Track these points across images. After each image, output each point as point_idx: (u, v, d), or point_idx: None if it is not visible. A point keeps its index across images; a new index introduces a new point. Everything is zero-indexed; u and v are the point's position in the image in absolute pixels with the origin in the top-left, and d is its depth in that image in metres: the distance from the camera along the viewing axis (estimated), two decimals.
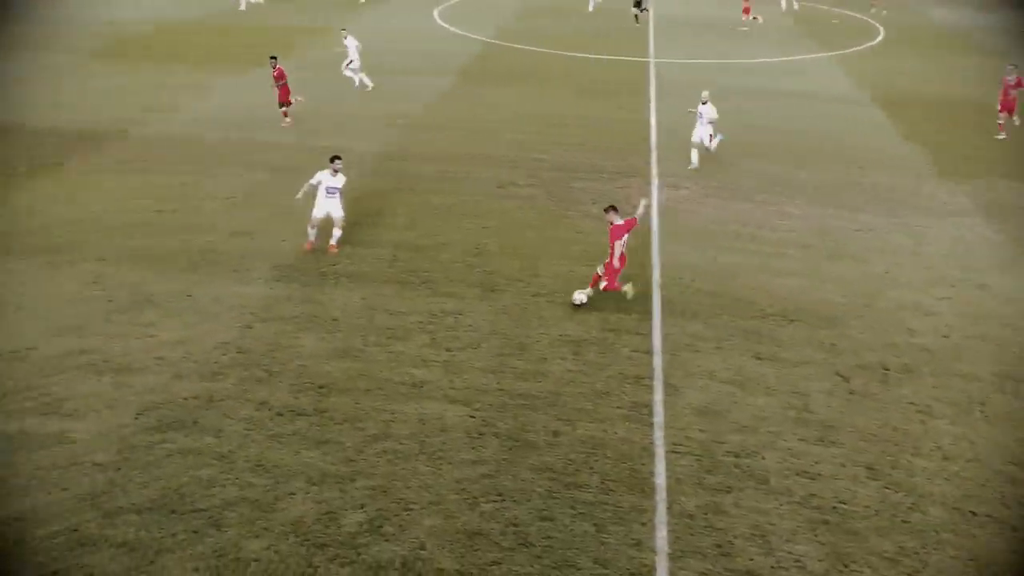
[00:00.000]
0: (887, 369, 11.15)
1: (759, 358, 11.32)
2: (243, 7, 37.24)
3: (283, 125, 20.56)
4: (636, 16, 35.39)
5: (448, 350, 11.27)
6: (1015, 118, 20.87)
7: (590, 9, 37.88)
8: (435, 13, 37.05)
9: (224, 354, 10.97)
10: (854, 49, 32.21)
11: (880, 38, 34.78)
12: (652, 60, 29.20)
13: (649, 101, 23.88)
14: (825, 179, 18.16)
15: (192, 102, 22.20)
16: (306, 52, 28.63)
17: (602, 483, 8.87)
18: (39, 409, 9.71)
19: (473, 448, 9.38)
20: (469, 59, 28.46)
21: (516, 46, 30.68)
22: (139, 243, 13.91)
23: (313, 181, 13.76)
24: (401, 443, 9.40)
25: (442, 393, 10.34)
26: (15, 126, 19.62)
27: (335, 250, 13.90)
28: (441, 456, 9.22)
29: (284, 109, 20.68)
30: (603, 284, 12.43)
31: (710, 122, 18.18)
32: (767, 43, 32.82)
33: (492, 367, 10.91)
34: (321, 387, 10.36)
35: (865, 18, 39.05)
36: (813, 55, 31.05)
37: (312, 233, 13.96)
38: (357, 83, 23.75)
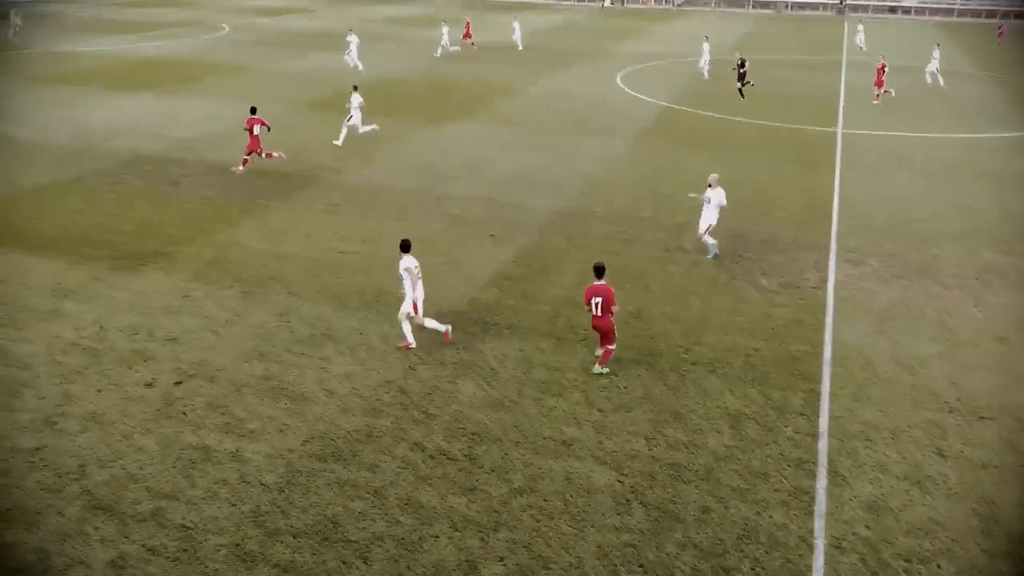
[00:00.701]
0: None
1: (942, 455, 10.34)
2: (438, 53, 40.94)
3: (234, 169, 21.11)
4: (741, 90, 32.81)
5: (600, 411, 11.17)
6: None
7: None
8: (618, 77, 37.71)
9: (387, 392, 11.48)
10: None
11: None
12: (840, 130, 28.05)
13: (834, 172, 22.89)
14: None
15: (386, 152, 23.77)
16: (501, 109, 29.99)
17: (752, 570, 8.38)
18: (221, 427, 10.58)
19: (618, 514, 9.18)
20: (648, 122, 28.64)
21: (697, 111, 30.53)
22: (324, 280, 14.95)
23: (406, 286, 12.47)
24: (546, 500, 9.37)
25: (591, 454, 10.24)
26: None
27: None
28: (585, 518, 9.09)
29: (246, 157, 20.95)
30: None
31: (718, 207, 16.25)
32: (954, 115, 30.64)
33: (644, 432, 10.69)
34: (473, 434, 10.57)
35: None
36: (1012, 134, 28.60)
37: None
38: (341, 139, 24.21)
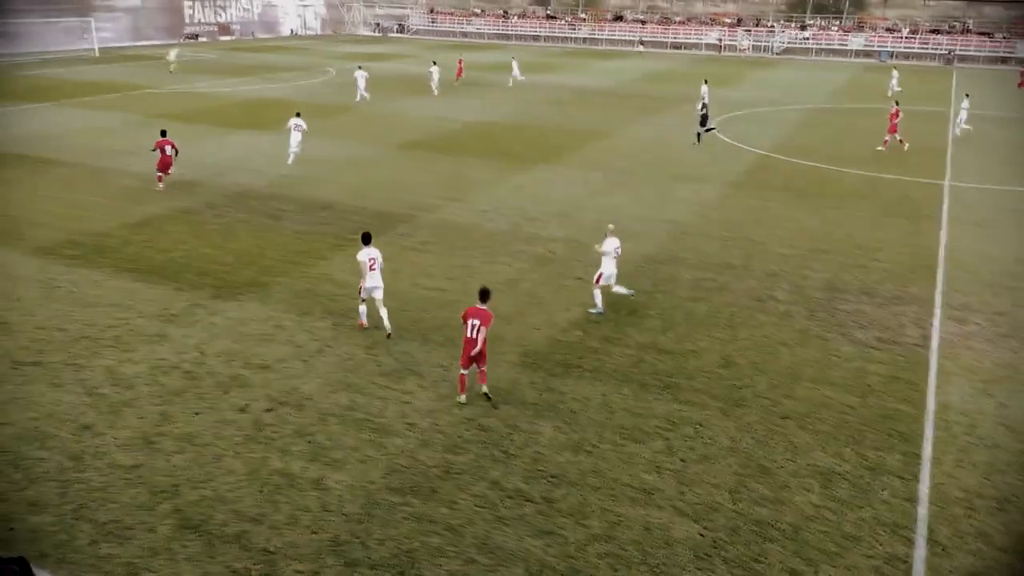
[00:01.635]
0: None
1: None
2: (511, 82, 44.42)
3: (157, 188, 23.84)
4: (699, 135, 32.34)
5: (683, 460, 10.90)
6: None
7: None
8: (712, 124, 37.41)
9: (467, 429, 11.53)
10: None
11: None
12: (947, 181, 26.95)
13: (940, 225, 21.96)
14: None
15: (478, 193, 24.21)
16: (592, 153, 30.21)
17: None
18: (306, 454, 10.83)
19: (699, 569, 8.89)
20: (743, 170, 28.25)
21: (795, 160, 29.94)
22: (410, 316, 15.23)
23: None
24: (624, 549, 9.17)
25: (672, 504, 9.98)
26: (336, 203, 22.70)
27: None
28: (664, 570, 8.84)
29: (160, 175, 23.93)
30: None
31: (614, 256, 15.51)
32: None
33: (729, 486, 10.36)
34: (552, 477, 10.47)
35: None
36: None
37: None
38: (291, 159, 26.88)
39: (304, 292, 16.37)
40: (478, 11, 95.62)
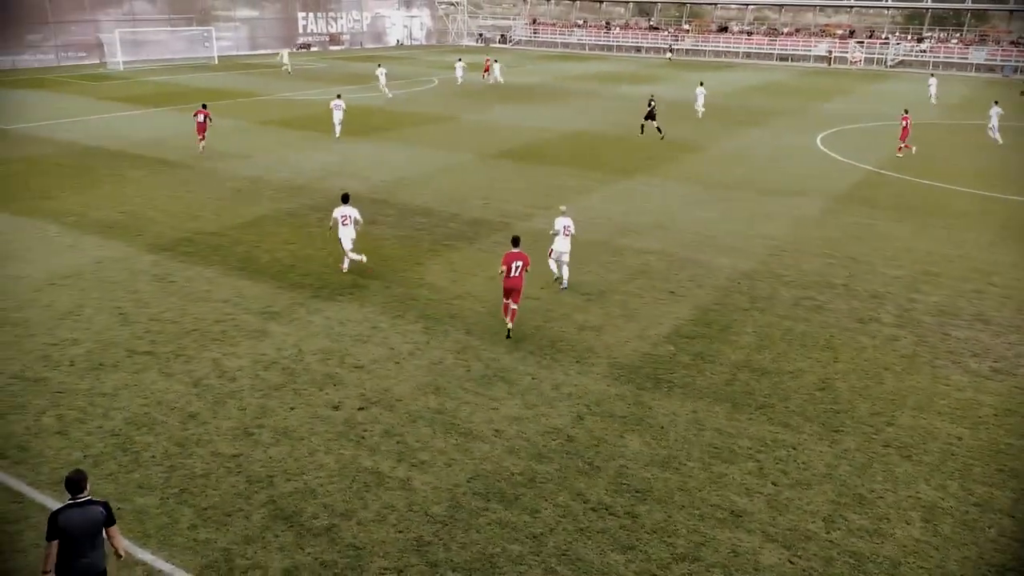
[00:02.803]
0: None
1: None
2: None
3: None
4: (642, 128, 35.94)
5: (775, 484, 10.56)
6: None
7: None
8: (818, 138, 36.28)
9: (554, 439, 11.52)
10: None
11: None
12: None
13: None
14: None
15: (572, 202, 24.14)
16: (690, 165, 29.79)
17: None
18: (395, 454, 11.06)
19: None
20: (848, 186, 27.23)
21: (906, 177, 28.65)
22: (501, 323, 15.35)
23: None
24: (709, 571, 8.95)
25: (761, 528, 9.68)
26: (433, 209, 23.16)
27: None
28: None
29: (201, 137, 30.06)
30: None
31: (567, 234, 16.87)
32: None
33: (823, 513, 9.97)
34: (637, 491, 10.33)
35: None
36: None
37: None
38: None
39: (400, 296, 16.74)
40: (580, 22, 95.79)
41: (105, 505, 7.42)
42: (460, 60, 54.50)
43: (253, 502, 9.97)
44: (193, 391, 12.66)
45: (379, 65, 49.70)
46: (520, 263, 14.55)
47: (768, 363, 14.01)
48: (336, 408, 12.24)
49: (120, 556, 7.68)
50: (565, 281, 17.29)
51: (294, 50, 75.61)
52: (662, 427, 11.90)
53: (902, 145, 32.13)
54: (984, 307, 16.67)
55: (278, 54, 61.74)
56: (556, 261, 17.22)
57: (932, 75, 51.28)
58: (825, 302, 16.83)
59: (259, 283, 17.30)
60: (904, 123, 31.87)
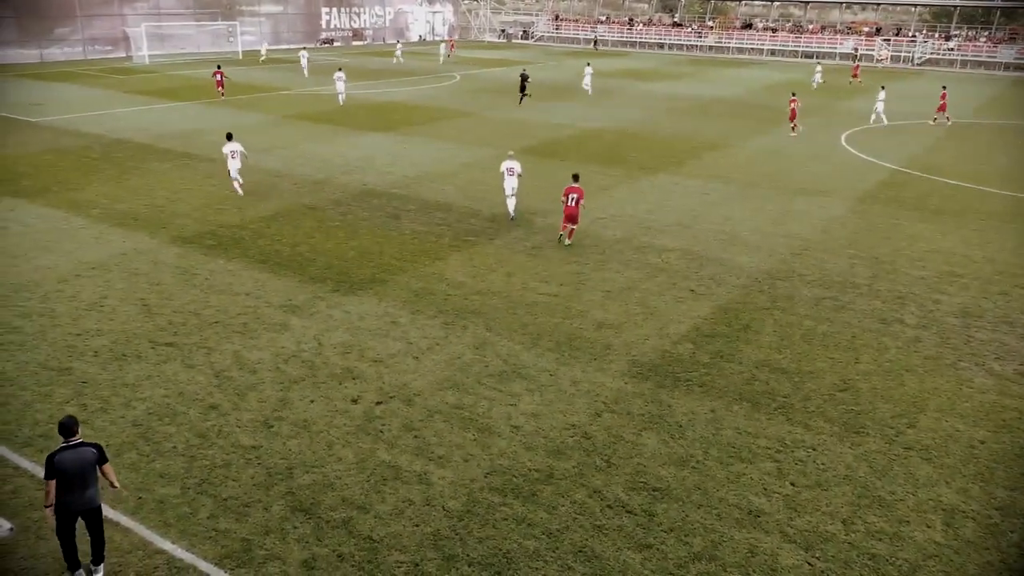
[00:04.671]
0: None
1: None
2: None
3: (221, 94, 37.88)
4: (521, 99, 42.38)
5: (794, 484, 10.49)
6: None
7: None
8: (843, 137, 35.92)
9: (571, 436, 11.52)
10: None
11: None
12: None
13: None
14: None
15: (595, 199, 24.14)
16: (713, 163, 29.62)
17: None
18: (412, 449, 11.11)
19: None
20: (873, 185, 26.94)
21: (933, 177, 28.30)
22: (520, 319, 15.37)
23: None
24: (726, 570, 8.91)
25: (779, 529, 9.62)
26: (454, 205, 23.21)
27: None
28: None
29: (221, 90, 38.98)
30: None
31: (517, 175, 21.12)
32: None
33: (842, 515, 9.89)
34: (654, 490, 10.31)
35: None
36: None
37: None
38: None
39: (419, 290, 16.80)
40: (603, 18, 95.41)
41: (97, 446, 8.32)
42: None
43: (272, 493, 10.06)
44: (214, 383, 12.79)
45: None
46: (575, 195, 19.06)
47: (788, 363, 13.91)
48: (355, 402, 12.31)
49: (114, 486, 8.65)
50: (512, 212, 21.64)
51: (317, 45, 75.96)
52: (680, 425, 11.86)
53: (793, 124, 36.64)
54: (1009, 309, 16.44)
55: (300, 52, 62.36)
56: (509, 198, 21.48)
57: (819, 63, 61.01)
58: (848, 302, 16.68)
59: (280, 276, 17.43)
60: (792, 105, 36.67)
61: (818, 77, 55.81)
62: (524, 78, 43.13)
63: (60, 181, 25.21)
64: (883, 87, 40.73)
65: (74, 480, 8.15)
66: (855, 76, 54.85)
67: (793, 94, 38.95)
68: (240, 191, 23.51)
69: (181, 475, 10.39)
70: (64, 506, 8.21)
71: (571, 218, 19.38)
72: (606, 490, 10.28)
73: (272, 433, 11.41)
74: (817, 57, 74.12)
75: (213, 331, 14.65)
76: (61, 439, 8.23)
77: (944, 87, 40.98)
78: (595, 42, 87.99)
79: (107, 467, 8.43)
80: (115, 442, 11.05)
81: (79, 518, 8.39)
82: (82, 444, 8.24)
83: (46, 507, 8.21)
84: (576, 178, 19.70)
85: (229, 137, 23.78)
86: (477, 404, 12.31)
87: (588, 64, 50.07)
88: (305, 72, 52.72)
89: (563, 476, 10.56)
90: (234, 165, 23.25)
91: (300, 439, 11.27)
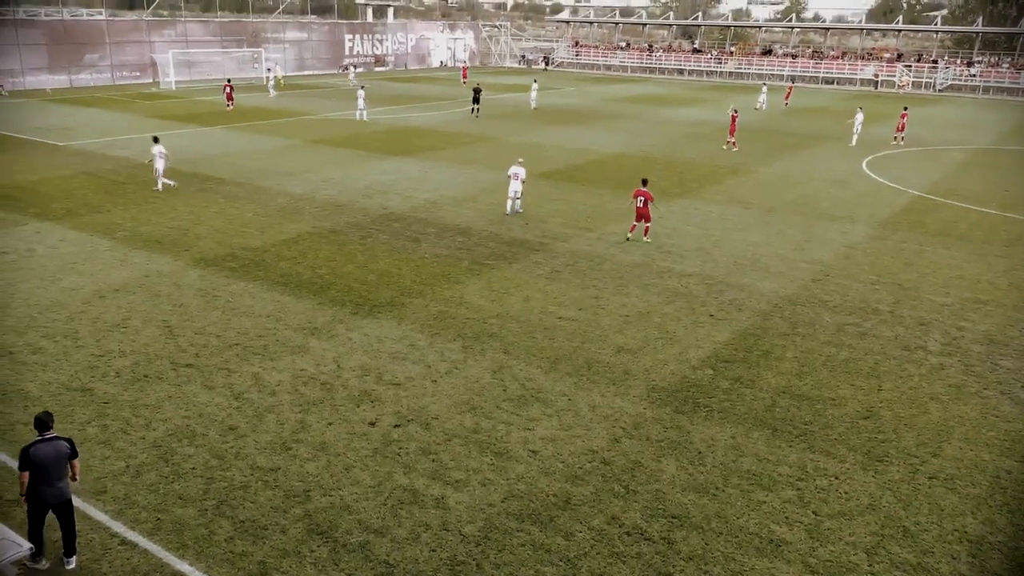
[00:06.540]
0: None
1: None
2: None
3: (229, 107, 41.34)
4: (474, 111, 46.95)
5: (816, 514, 10.33)
6: None
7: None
8: (864, 162, 35.76)
9: (589, 461, 11.43)
10: None
11: None
12: None
13: None
14: None
15: (612, 224, 24.17)
16: (733, 188, 29.55)
17: None
18: (430, 472, 11.07)
19: None
20: (895, 211, 26.76)
21: (957, 203, 28.06)
22: (539, 343, 15.34)
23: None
24: None
25: (801, 559, 9.46)
26: (473, 229, 23.31)
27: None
28: None
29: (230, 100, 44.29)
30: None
31: (521, 181, 24.41)
32: None
33: (865, 545, 9.72)
34: (673, 517, 10.19)
35: None
36: None
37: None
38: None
39: (438, 314, 16.83)
40: (622, 44, 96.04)
41: (69, 441, 8.80)
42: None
43: (289, 516, 10.05)
44: (234, 404, 12.85)
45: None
46: (643, 197, 21.74)
47: (810, 389, 13.75)
48: (372, 424, 12.31)
49: (75, 479, 8.98)
50: (515, 209, 24.74)
51: (340, 71, 77.02)
52: (700, 452, 11.74)
53: (730, 140, 38.29)
54: None
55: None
56: (510, 199, 24.52)
57: (765, 85, 60.24)
58: (870, 328, 16.50)
59: (300, 299, 17.54)
60: (732, 120, 38.54)
61: (763, 98, 56.18)
62: (477, 91, 48.15)
63: (87, 204, 25.62)
64: (860, 108, 42.25)
65: (50, 471, 8.57)
66: (786, 100, 57.28)
67: (735, 110, 40.37)
68: (161, 188, 27.17)
69: (199, 496, 10.42)
70: (38, 497, 8.61)
71: (643, 217, 21.96)
72: (624, 517, 10.17)
73: (290, 455, 11.42)
74: (769, 79, 73.87)
75: (233, 352, 14.75)
76: (36, 433, 8.66)
77: (905, 108, 42.14)
78: (547, 61, 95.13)
79: (76, 462, 8.89)
80: (135, 463, 11.11)
81: (49, 511, 8.79)
82: (57, 438, 8.67)
83: (21, 495, 8.67)
84: (645, 183, 22.01)
85: (156, 140, 27.55)
86: (495, 428, 12.26)
87: (535, 81, 55.88)
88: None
89: (581, 502, 10.47)
90: (161, 165, 27.07)
91: (318, 461, 11.27)
